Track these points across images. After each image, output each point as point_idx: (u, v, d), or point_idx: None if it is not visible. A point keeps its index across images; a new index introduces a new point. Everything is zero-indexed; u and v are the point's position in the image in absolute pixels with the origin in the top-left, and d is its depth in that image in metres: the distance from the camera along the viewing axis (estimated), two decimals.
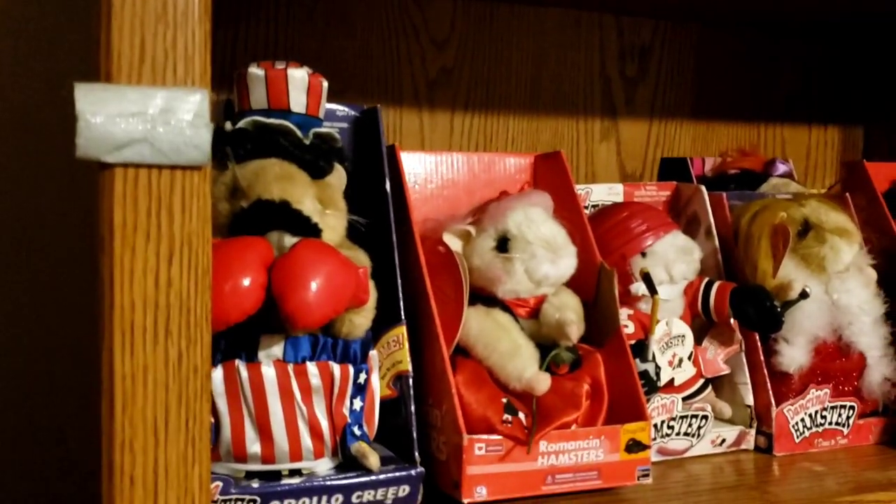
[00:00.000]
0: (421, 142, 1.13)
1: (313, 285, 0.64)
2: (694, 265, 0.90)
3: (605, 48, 1.23)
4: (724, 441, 0.92)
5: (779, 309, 0.89)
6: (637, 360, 0.83)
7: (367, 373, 0.73)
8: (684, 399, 0.90)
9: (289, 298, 0.63)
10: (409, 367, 0.75)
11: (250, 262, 0.64)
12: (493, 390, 0.76)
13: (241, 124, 0.71)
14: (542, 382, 0.74)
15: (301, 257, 0.65)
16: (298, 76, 0.73)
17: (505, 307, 0.79)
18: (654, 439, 0.87)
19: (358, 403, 0.72)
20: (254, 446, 0.67)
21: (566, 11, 1.19)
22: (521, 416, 0.74)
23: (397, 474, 0.70)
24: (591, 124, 1.24)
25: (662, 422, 0.88)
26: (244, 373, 0.65)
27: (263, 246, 0.66)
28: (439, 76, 1.14)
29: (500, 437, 0.72)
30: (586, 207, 0.99)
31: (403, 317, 0.77)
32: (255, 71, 0.72)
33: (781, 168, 1.21)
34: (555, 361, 0.77)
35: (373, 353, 0.75)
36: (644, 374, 0.83)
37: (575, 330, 0.76)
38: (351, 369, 0.71)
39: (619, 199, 1.02)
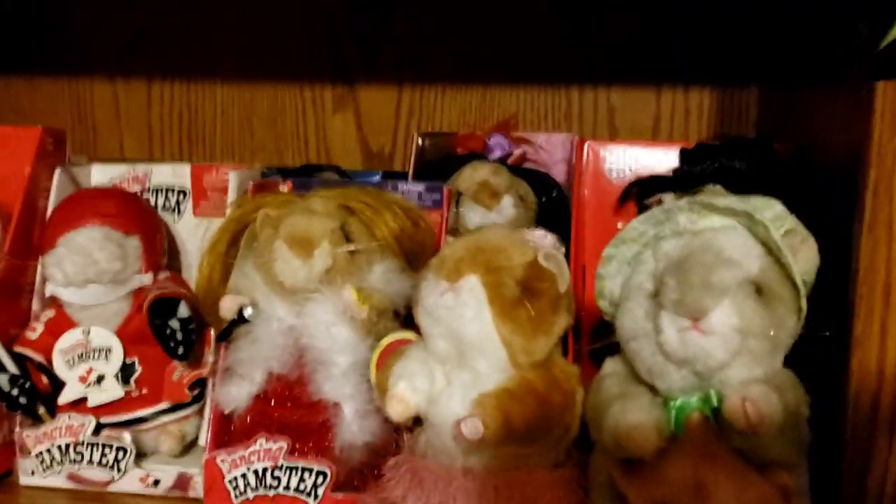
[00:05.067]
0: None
1: None
2: (94, 268, 0.73)
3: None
4: (158, 482, 0.75)
5: (178, 329, 0.70)
6: None
7: None
8: (118, 424, 0.76)
9: None
10: None
11: None
12: None
13: None
14: None
15: None
16: None
17: None
18: (62, 462, 0.75)
19: None
20: None
21: None
22: None
23: None
24: (321, 92, 1.05)
25: (68, 445, 0.75)
26: None
27: None
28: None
29: None
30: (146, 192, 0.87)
31: None
32: None
33: (497, 150, 0.91)
34: None
35: None
36: None
37: None
38: None
39: (186, 182, 0.87)
